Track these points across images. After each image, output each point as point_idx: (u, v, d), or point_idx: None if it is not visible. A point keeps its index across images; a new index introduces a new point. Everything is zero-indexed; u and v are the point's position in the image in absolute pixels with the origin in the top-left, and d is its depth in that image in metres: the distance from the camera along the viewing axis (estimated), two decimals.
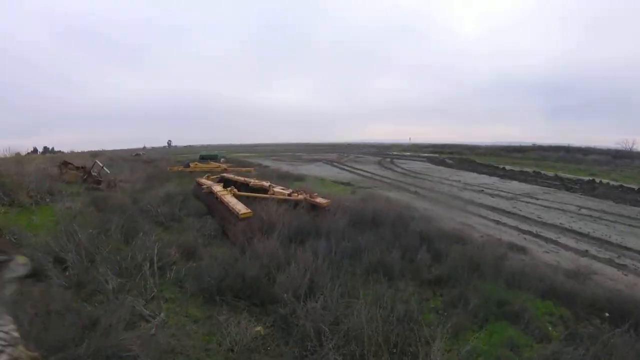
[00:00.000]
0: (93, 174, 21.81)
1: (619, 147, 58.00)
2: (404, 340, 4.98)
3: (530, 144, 76.36)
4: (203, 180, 15.89)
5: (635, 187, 22.03)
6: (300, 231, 8.94)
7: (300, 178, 24.93)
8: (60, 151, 72.60)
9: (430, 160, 48.17)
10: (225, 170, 26.86)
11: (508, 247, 9.90)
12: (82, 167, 22.40)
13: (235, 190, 12.05)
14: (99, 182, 20.58)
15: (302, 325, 5.12)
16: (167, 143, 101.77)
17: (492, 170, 32.86)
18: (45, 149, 79.24)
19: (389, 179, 26.93)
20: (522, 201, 18.15)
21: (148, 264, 7.23)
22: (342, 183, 24.00)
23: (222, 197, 11.12)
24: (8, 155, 24.30)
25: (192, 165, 30.44)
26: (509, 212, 15.47)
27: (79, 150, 62.19)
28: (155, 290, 6.59)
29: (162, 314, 5.81)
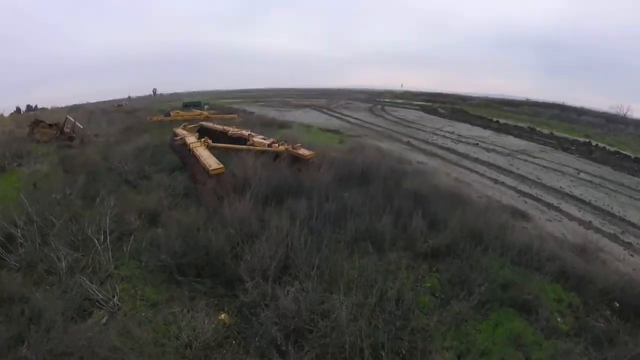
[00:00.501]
0: (66, 130, 20.49)
1: (612, 111, 56.87)
2: (395, 346, 4.09)
3: (524, 99, 75.14)
4: (179, 131, 14.64)
5: (631, 154, 20.96)
6: (279, 189, 7.90)
7: (285, 125, 23.40)
8: (43, 108, 70.73)
9: (423, 109, 46.39)
10: (207, 118, 25.48)
11: (510, 213, 9.05)
12: (55, 125, 21.08)
13: (209, 141, 10.87)
14: (72, 139, 19.40)
15: (265, 329, 4.22)
16: (153, 91, 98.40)
17: (485, 123, 31.30)
18: (29, 107, 76.40)
19: (380, 127, 25.44)
20: (519, 158, 17.01)
21: (102, 237, 6.37)
22: (330, 131, 22.37)
23: (194, 150, 9.99)
24: None
25: (172, 113, 28.86)
26: (506, 170, 14.49)
27: (62, 106, 60.45)
28: (111, 268, 5.81)
29: (115, 298, 5.06)
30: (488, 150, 18.29)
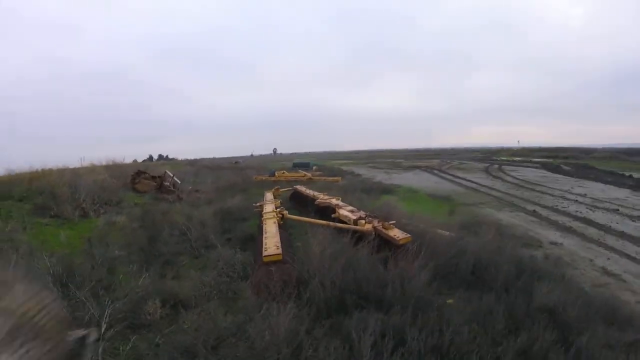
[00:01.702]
0: (165, 184, 20.29)
1: None
2: None
3: None
4: (267, 195, 13.08)
5: None
6: (350, 289, 5.47)
7: (389, 190, 21.05)
8: (173, 158, 75.86)
9: (544, 166, 41.47)
10: (310, 180, 24.21)
11: None
12: (158, 177, 21.01)
13: (285, 212, 8.95)
14: (169, 193, 19.06)
15: None
16: (273, 150, 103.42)
17: (618, 179, 27.07)
18: (160, 156, 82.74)
19: (498, 191, 21.68)
20: None
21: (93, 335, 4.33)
22: (439, 198, 19.31)
23: (263, 223, 8.05)
24: (79, 166, 23.12)
25: (277, 173, 28.09)
26: None
27: (184, 158, 63.71)
28: None
29: None
30: (632, 218, 14.31)
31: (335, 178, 24.86)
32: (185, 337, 4.83)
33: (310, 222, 8.63)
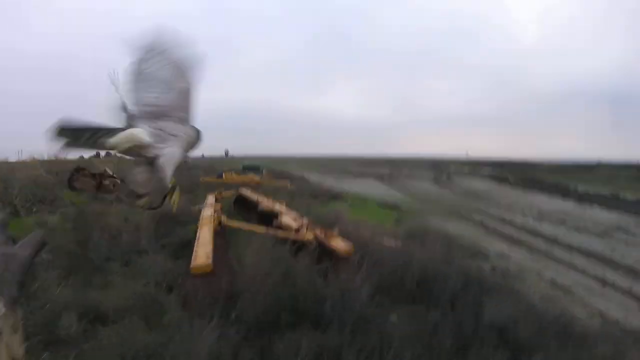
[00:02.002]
0: (104, 182, 19.17)
1: None
2: None
3: (596, 161, 70.60)
4: (209, 197, 12.48)
5: None
6: (284, 305, 5.02)
7: (338, 197, 20.71)
8: (122, 155, 73.46)
9: (492, 178, 42.73)
10: (258, 183, 23.62)
11: None
12: (99, 175, 19.84)
13: (223, 217, 8.39)
14: (109, 192, 17.99)
15: None
16: (225, 152, 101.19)
17: (564, 192, 28.31)
18: (108, 153, 79.93)
19: (447, 201, 22.10)
20: (618, 239, 13.45)
21: None
22: (388, 206, 19.10)
23: (199, 229, 7.54)
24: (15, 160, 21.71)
25: (225, 175, 27.32)
26: (609, 261, 10.85)
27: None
28: None
29: None
30: (578, 229, 14.64)
31: (284, 183, 24.39)
32: (102, 355, 4.32)
33: (249, 229, 8.13)
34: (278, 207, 10.01)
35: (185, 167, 43.29)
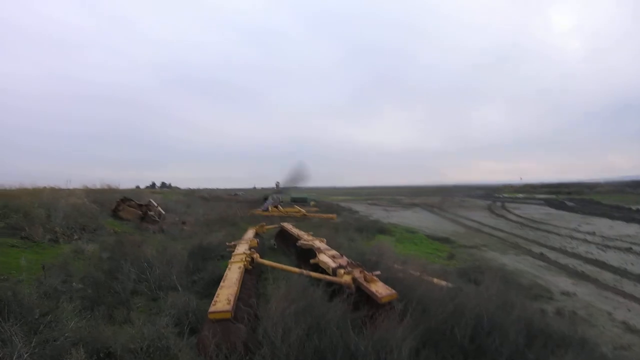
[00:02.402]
0: (149, 213, 19.29)
1: None
2: None
3: None
4: (249, 232, 12.02)
5: None
6: None
7: (385, 230, 19.41)
8: (175, 187, 75.35)
9: (548, 202, 40.18)
10: (304, 216, 23.08)
11: None
12: (145, 206, 20.02)
13: (255, 255, 7.82)
14: (152, 223, 18.04)
15: None
16: (276, 184, 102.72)
17: (626, 214, 26.44)
18: (163, 184, 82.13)
19: (502, 231, 20.11)
20: None
21: None
22: (439, 239, 17.61)
23: (229, 267, 6.97)
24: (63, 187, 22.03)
25: (271, 208, 26.99)
26: None
27: (187, 187, 63.05)
28: None
29: None
30: None
31: (331, 215, 23.69)
32: None
33: (282, 269, 7.47)
34: (317, 243, 9.34)
35: (235, 200, 43.82)
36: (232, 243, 9.91)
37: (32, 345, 4.82)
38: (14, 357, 4.47)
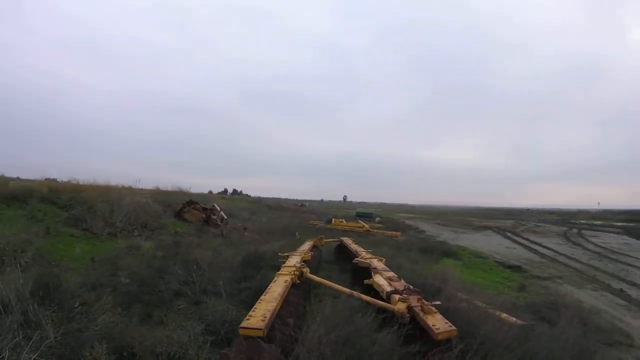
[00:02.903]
0: (212, 217, 19.37)
1: None
2: None
3: None
4: (306, 244, 11.51)
5: None
6: None
7: (452, 253, 17.98)
8: (246, 194, 77.00)
9: (627, 231, 36.39)
10: (367, 232, 22.30)
11: None
12: (209, 209, 20.13)
13: (305, 270, 7.19)
14: (215, 227, 18.07)
15: None
16: (343, 198, 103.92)
17: None
18: (234, 191, 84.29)
19: (578, 261, 17.60)
20: None
21: None
22: (510, 267, 15.92)
23: (274, 279, 6.36)
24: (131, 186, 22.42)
25: (334, 221, 26.40)
26: None
27: (257, 195, 64.12)
28: None
29: None
30: None
31: (395, 232, 22.57)
32: None
33: (331, 287, 6.80)
34: (375, 262, 8.60)
35: (300, 211, 43.73)
36: (286, 254, 9.32)
37: (60, 332, 4.81)
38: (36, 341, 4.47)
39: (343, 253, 12.24)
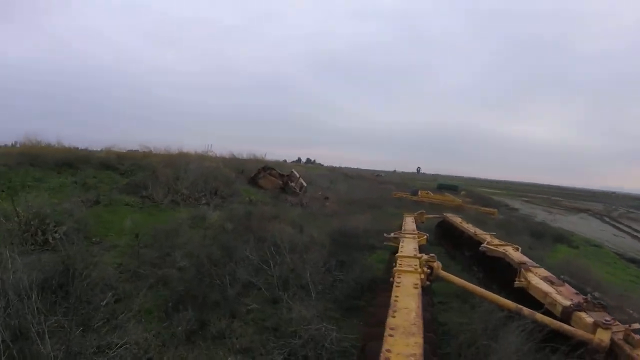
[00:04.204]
0: (290, 184, 17.38)
1: None
2: None
3: None
4: (408, 221, 8.90)
5: None
6: None
7: (563, 239, 14.72)
8: (319, 163, 75.47)
9: None
10: (460, 207, 19.40)
11: None
12: (286, 176, 18.20)
13: (436, 264, 4.61)
14: (293, 195, 16.21)
15: None
16: (417, 169, 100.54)
17: None
18: (308, 160, 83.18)
19: None
20: None
21: None
22: (631, 261, 13.04)
23: (394, 280, 3.95)
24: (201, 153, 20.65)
25: (420, 193, 23.75)
26: None
27: (330, 165, 62.35)
28: None
29: None
30: None
31: (491, 210, 19.55)
32: None
33: (483, 296, 4.38)
34: (512, 252, 6.05)
35: (377, 181, 41.39)
36: (392, 235, 6.87)
37: (62, 350, 3.24)
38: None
39: (448, 233, 9.83)
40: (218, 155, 21.20)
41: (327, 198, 17.31)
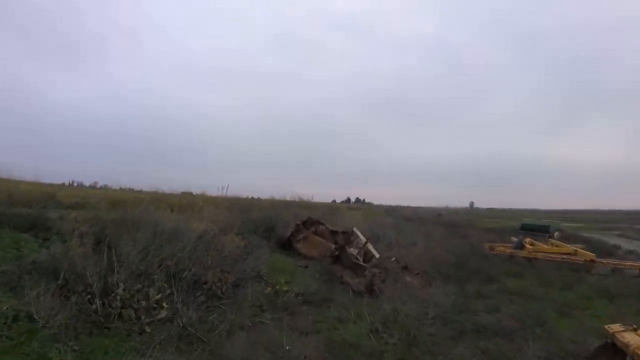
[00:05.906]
0: (349, 250, 10.59)
1: None
2: None
3: None
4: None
5: None
6: None
7: None
8: (369, 202, 68.93)
9: None
10: (591, 263, 12.77)
11: None
12: (340, 234, 11.60)
13: None
14: (355, 269, 9.56)
15: None
16: (470, 204, 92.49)
17: None
18: (357, 199, 76.76)
19: None
20: None
21: None
22: None
23: None
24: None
25: (526, 243, 16.42)
26: None
27: (379, 203, 55.36)
28: None
29: None
30: None
31: (636, 264, 13.15)
32: None
33: None
34: None
35: (442, 222, 33.37)
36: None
37: None
38: None
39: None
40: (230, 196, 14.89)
41: (405, 268, 10.53)
